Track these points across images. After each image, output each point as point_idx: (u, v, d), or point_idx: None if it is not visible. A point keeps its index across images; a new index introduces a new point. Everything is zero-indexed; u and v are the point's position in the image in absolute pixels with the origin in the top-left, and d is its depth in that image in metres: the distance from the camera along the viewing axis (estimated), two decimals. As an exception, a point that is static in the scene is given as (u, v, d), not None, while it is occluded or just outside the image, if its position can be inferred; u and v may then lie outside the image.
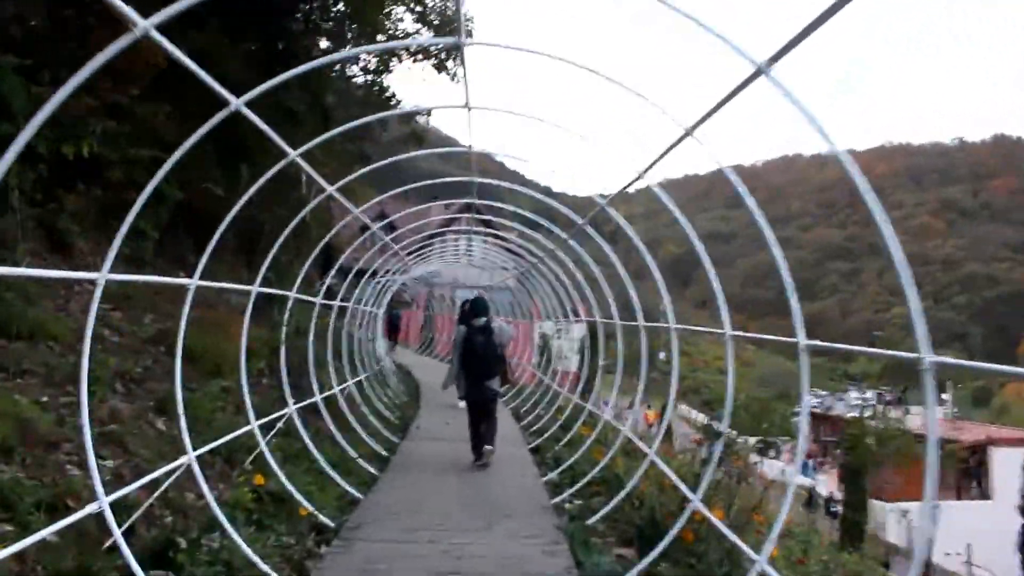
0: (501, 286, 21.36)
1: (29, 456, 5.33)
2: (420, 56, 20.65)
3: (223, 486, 6.43)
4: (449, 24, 18.69)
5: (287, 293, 7.49)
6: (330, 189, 7.33)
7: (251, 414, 6.13)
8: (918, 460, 23.85)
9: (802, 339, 4.29)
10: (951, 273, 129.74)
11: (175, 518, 5.52)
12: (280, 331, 8.87)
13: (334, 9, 18.14)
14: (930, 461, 3.35)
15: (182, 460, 4.73)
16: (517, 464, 9.66)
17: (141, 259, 11.32)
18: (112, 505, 4.08)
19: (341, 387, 9.83)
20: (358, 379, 12.22)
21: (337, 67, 18.95)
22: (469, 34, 5.16)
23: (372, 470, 8.53)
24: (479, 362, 9.22)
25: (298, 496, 6.13)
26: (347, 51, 17.08)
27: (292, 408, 7.24)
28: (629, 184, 6.30)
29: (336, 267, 10.24)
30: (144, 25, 3.05)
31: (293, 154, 5.53)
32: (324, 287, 10.22)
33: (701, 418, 50.87)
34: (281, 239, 6.48)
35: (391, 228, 15.96)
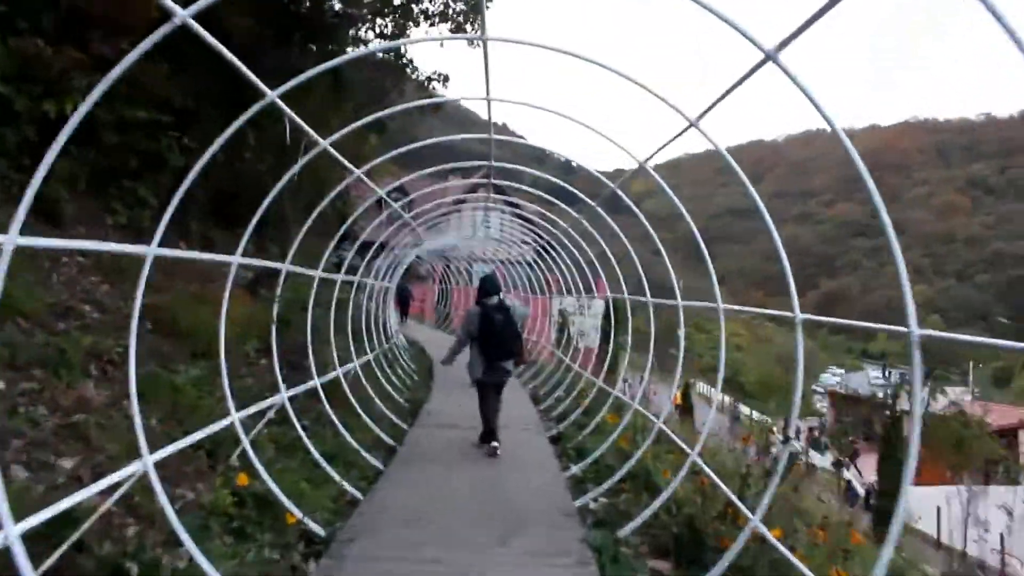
0: (519, 260, 20.54)
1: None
2: (437, 19, 19.65)
3: (203, 486, 5.64)
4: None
5: (276, 265, 6.63)
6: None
7: (231, 404, 5.30)
8: (960, 443, 23.22)
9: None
10: (975, 251, 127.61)
11: (141, 527, 4.73)
12: (293, 309, 8.10)
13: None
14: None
15: (132, 468, 3.90)
16: (536, 455, 8.85)
17: (139, 227, 10.59)
18: (58, 518, 3.29)
19: (344, 369, 9.01)
20: (366, 359, 11.44)
21: (351, 31, 18.03)
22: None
23: (376, 462, 7.74)
24: (498, 342, 8.62)
25: (285, 501, 5.31)
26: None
27: (284, 395, 6.41)
28: (661, 148, 6.15)
29: (341, 237, 9.39)
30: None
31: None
32: (328, 260, 9.36)
33: (713, 393, 50.14)
34: (266, 202, 5.59)
35: (406, 198, 15.27)
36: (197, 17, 3.32)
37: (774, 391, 35.10)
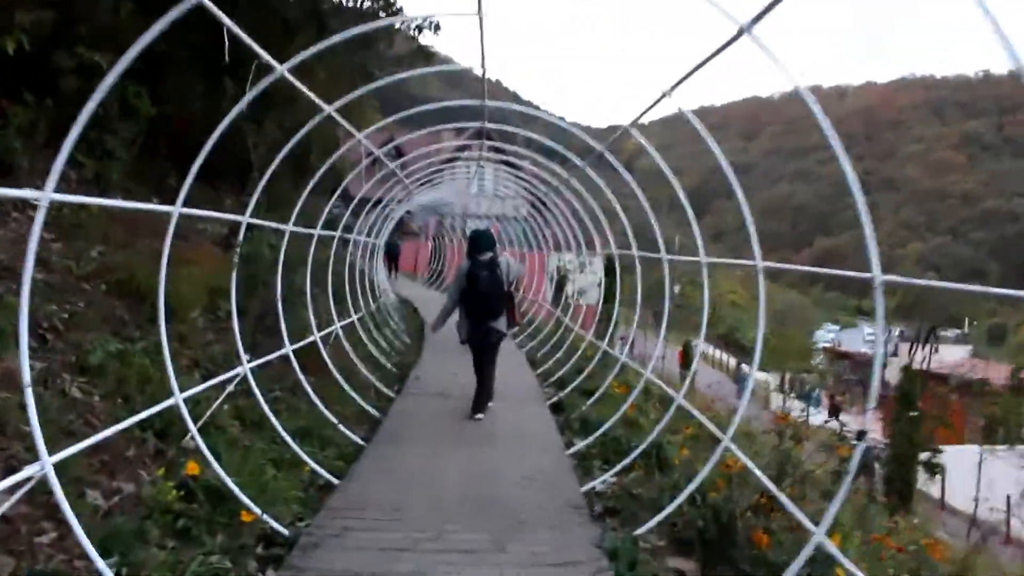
0: (513, 216, 19.63)
1: None
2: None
3: (147, 475, 4.79)
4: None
5: (236, 217, 5.72)
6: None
7: (173, 383, 4.41)
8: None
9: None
10: (970, 208, 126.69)
11: (62, 532, 3.89)
12: (270, 267, 7.29)
13: None
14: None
15: (28, 472, 3.02)
16: (536, 428, 8.05)
17: (108, 181, 9.64)
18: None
19: (323, 333, 8.15)
20: (350, 320, 10.56)
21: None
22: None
23: (356, 438, 6.91)
24: (481, 300, 8.04)
25: (242, 496, 4.45)
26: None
27: (246, 366, 5.54)
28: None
29: (318, 190, 8.45)
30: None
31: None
32: (306, 214, 8.44)
33: (714, 352, 49.55)
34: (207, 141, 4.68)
35: (398, 154, 14.38)
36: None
37: (776, 351, 34.52)
